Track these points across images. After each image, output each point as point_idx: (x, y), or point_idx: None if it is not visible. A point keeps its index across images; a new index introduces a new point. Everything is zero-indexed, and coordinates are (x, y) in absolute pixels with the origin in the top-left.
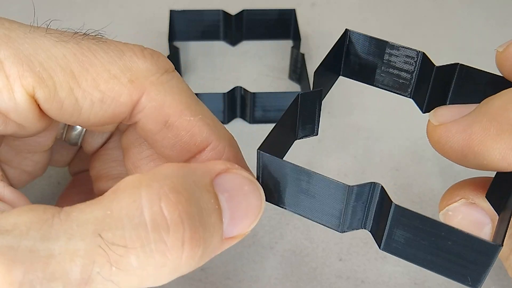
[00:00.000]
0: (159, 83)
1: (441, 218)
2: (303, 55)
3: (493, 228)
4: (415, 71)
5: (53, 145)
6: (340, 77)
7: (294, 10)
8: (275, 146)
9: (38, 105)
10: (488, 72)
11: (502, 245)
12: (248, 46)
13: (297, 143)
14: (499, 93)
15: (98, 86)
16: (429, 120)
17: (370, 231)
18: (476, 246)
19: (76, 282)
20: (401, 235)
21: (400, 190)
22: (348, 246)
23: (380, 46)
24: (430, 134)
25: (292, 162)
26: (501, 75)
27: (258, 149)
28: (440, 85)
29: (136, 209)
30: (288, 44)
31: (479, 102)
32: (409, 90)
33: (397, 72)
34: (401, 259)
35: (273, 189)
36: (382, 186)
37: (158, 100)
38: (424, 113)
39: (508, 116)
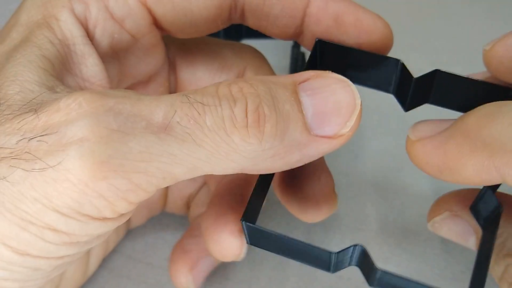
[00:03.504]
0: None
1: (429, 229)
2: (303, 54)
3: (477, 240)
4: (394, 81)
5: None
6: None
7: None
8: (256, 209)
9: (150, 13)
10: (467, 78)
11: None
12: None
13: None
14: (474, 109)
15: None
16: (408, 135)
17: (358, 267)
18: None
19: (158, 125)
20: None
21: (401, 190)
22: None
23: (355, 55)
24: (408, 150)
25: (275, 231)
26: (479, 79)
27: (241, 219)
28: (421, 90)
29: (213, 86)
30: (288, 43)
31: (461, 105)
32: (390, 90)
33: (375, 80)
34: (403, 261)
35: (263, 247)
36: (364, 249)
37: None
38: (406, 111)
39: (481, 133)
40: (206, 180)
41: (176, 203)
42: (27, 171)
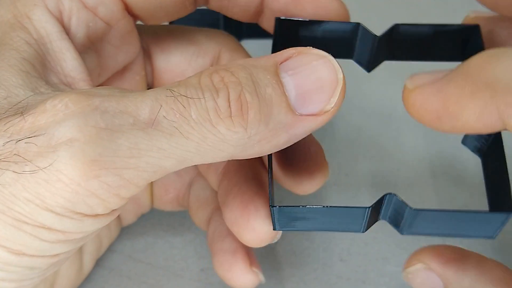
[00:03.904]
0: None
1: (404, 279)
2: None
3: None
4: (356, 45)
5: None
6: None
7: None
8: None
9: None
10: (427, 24)
11: None
12: (248, 46)
13: None
14: (477, 54)
15: None
16: (405, 84)
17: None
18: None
19: (145, 120)
20: (420, 224)
21: (401, 190)
22: (349, 247)
23: (315, 28)
24: (405, 98)
25: (306, 205)
26: (441, 23)
27: (270, 205)
28: (383, 48)
29: (195, 77)
30: None
31: (426, 52)
32: (352, 55)
33: (337, 49)
34: (402, 261)
35: (291, 228)
36: (396, 197)
37: None
38: (369, 72)
39: (484, 74)
40: (202, 173)
41: (162, 198)
42: (18, 173)
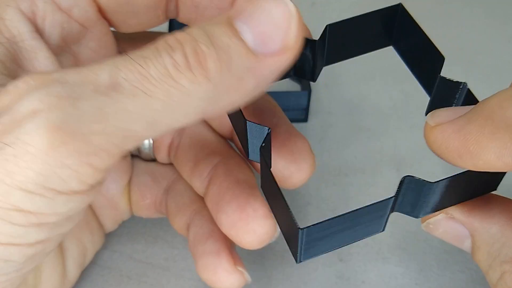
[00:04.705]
0: None
1: (423, 229)
2: None
3: (473, 243)
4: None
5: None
6: (344, 77)
7: None
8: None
9: (95, 1)
10: (356, 16)
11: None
12: None
13: None
14: (496, 93)
15: None
16: (426, 121)
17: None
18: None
19: (105, 85)
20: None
21: None
22: (349, 247)
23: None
24: (427, 136)
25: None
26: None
27: (299, 228)
28: (320, 53)
29: (151, 45)
30: None
31: (360, 49)
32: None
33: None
34: (402, 260)
35: (317, 249)
36: (412, 177)
37: None
38: (314, 82)
39: (503, 114)
40: (186, 179)
41: (139, 204)
42: None
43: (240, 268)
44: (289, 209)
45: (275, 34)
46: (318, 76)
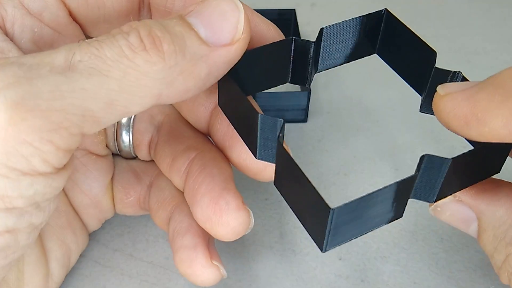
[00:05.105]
0: None
1: (431, 213)
2: None
3: (479, 226)
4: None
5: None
6: (344, 77)
7: (294, 10)
8: None
9: (66, 5)
10: (345, 20)
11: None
12: None
13: (297, 143)
14: (508, 67)
15: None
16: (436, 91)
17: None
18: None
19: (61, 66)
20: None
21: None
22: (348, 246)
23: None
24: (436, 104)
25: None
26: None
27: (330, 209)
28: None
29: (107, 34)
30: None
31: (352, 53)
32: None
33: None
34: (401, 259)
35: (343, 235)
36: (429, 155)
37: None
38: (309, 86)
39: None
40: (166, 174)
41: (123, 202)
42: None
43: (216, 263)
44: (317, 191)
45: (225, 26)
46: (311, 82)
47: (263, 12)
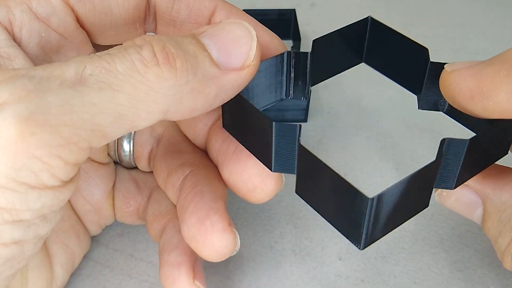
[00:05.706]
0: None
1: (436, 198)
2: None
3: (484, 210)
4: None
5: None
6: (343, 77)
7: (294, 10)
8: None
9: (73, 11)
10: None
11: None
12: None
13: None
14: None
15: None
16: (444, 68)
17: None
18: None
19: (72, 80)
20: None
21: None
22: (348, 246)
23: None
24: (442, 80)
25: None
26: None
27: (369, 197)
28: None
29: (118, 46)
30: (288, 44)
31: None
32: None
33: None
34: (401, 259)
35: (381, 228)
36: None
37: None
38: (307, 99)
39: None
40: (162, 187)
41: (123, 210)
42: None
43: (198, 283)
44: (352, 185)
45: (238, 51)
46: (310, 95)
47: (263, 12)
